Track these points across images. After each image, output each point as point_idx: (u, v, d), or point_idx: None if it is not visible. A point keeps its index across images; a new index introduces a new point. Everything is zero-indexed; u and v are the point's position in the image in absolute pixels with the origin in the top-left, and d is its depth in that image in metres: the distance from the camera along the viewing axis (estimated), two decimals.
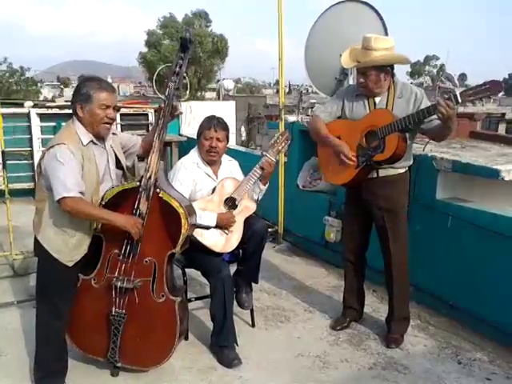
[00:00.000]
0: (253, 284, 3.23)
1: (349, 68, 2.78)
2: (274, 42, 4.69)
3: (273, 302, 3.68)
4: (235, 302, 3.04)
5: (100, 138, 2.53)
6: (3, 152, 4.21)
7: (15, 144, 6.74)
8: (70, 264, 2.45)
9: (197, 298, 3.29)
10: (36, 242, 2.49)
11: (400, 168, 2.96)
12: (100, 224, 2.50)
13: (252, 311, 3.28)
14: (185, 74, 2.64)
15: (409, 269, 3.08)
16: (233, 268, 3.13)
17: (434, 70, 49.14)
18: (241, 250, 3.10)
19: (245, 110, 15.04)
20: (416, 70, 50.30)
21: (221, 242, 2.93)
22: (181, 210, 2.50)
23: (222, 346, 2.85)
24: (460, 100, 2.53)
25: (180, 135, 7.96)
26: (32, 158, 6.78)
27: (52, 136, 2.55)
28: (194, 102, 9.44)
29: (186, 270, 3.07)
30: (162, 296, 2.55)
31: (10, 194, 4.14)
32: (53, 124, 6.77)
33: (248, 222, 3.01)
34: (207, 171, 3.06)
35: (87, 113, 2.44)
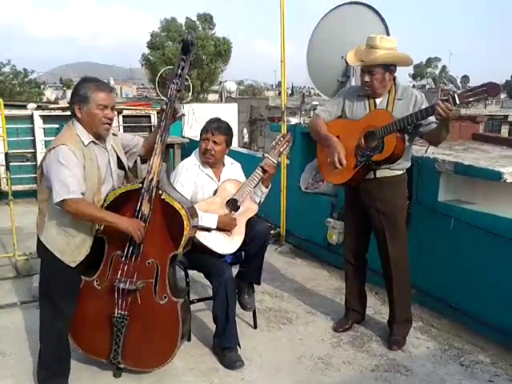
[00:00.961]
0: (255, 286, 3.23)
1: (355, 66, 2.81)
2: (277, 44, 4.70)
3: (275, 304, 3.68)
4: (237, 304, 3.04)
5: (100, 138, 2.54)
6: (6, 154, 4.24)
7: (18, 146, 6.79)
8: (73, 264, 2.46)
9: (199, 300, 3.29)
10: (39, 242, 2.50)
11: (397, 170, 2.97)
12: (102, 225, 2.51)
13: (254, 313, 3.28)
14: (187, 76, 2.65)
15: (409, 271, 3.08)
16: (235, 270, 3.14)
17: (436, 72, 49.11)
18: (243, 252, 3.10)
19: (247, 111, 15.06)
20: (418, 72, 50.28)
21: (223, 243, 2.94)
22: (183, 212, 2.51)
23: (225, 348, 2.86)
24: (458, 101, 2.55)
25: (182, 137, 7.98)
26: (35, 160, 6.83)
27: (55, 138, 2.57)
28: (197, 104, 9.47)
29: (189, 271, 3.07)
30: (165, 298, 2.55)
31: (14, 196, 4.16)
32: (56, 126, 6.81)
33: (250, 223, 3.01)
34: (209, 173, 3.07)
35: (85, 114, 2.44)
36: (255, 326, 3.29)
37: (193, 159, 3.10)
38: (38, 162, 2.56)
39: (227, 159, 3.19)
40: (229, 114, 8.82)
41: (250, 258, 3.08)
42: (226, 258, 3.01)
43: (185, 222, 2.50)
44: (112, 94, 2.54)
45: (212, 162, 3.05)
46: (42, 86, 32.44)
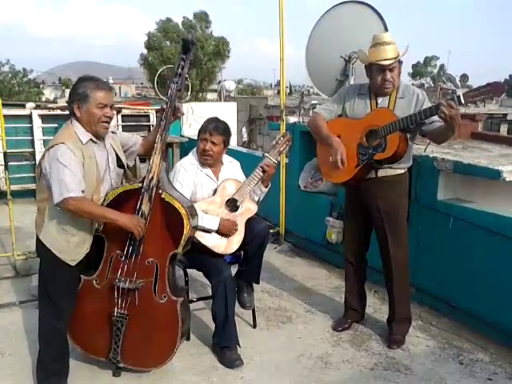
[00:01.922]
0: (254, 285, 3.23)
1: (386, 64, 2.79)
2: (276, 42, 4.70)
3: (274, 303, 3.69)
4: (237, 303, 3.04)
5: (99, 136, 2.53)
6: (5, 153, 4.23)
7: (17, 145, 6.78)
8: (73, 263, 2.46)
9: (198, 299, 3.29)
10: (38, 241, 2.50)
11: (399, 169, 2.96)
12: (102, 224, 2.51)
13: (253, 312, 3.28)
14: (187, 76, 2.65)
15: (409, 270, 3.08)
16: (234, 269, 3.14)
17: (435, 71, 49.11)
18: (242, 252, 3.10)
19: (246, 110, 15.04)
20: (417, 71, 50.28)
21: (222, 243, 2.93)
22: (183, 211, 2.51)
23: (224, 347, 2.86)
24: (463, 101, 2.53)
25: (181, 136, 7.97)
26: (34, 159, 6.81)
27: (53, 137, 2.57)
28: (196, 103, 9.45)
29: (188, 270, 3.07)
30: (164, 297, 2.56)
31: (12, 195, 4.15)
32: (54, 125, 6.80)
33: (250, 223, 3.01)
34: (207, 173, 3.06)
35: (85, 112, 2.44)
36: (254, 325, 3.29)
37: (191, 159, 3.09)
38: (37, 162, 2.56)
39: (226, 157, 3.18)
40: (228, 112, 8.82)
41: (249, 257, 3.07)
42: (225, 257, 3.01)
43: (185, 222, 2.50)
44: (111, 93, 2.54)
45: (210, 162, 3.05)
46: (40, 86, 32.45)
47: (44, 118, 7.03)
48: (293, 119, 5.36)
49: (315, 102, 7.06)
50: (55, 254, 2.43)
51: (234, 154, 3.64)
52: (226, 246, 2.94)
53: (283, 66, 4.75)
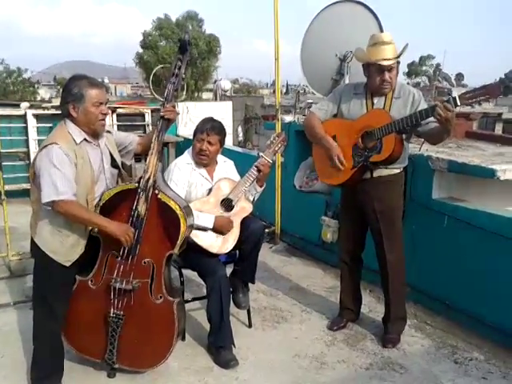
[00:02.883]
0: (250, 284, 3.23)
1: (386, 64, 2.77)
2: (271, 42, 4.70)
3: (270, 303, 3.68)
4: (232, 303, 3.04)
5: (95, 135, 2.52)
6: None
7: (11, 145, 6.77)
8: (68, 264, 2.44)
9: (194, 299, 3.29)
10: (32, 242, 2.48)
11: (394, 169, 2.96)
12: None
13: (249, 312, 3.28)
14: (183, 76, 2.64)
15: (405, 269, 3.09)
16: (229, 268, 3.14)
17: (431, 70, 49.20)
18: (237, 251, 3.10)
19: (242, 110, 15.03)
20: (413, 70, 50.35)
21: (217, 243, 2.93)
22: (179, 212, 2.50)
23: (219, 347, 2.86)
24: (459, 103, 2.53)
25: (177, 136, 7.96)
26: (28, 159, 6.80)
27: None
28: (191, 103, 9.43)
29: (183, 270, 3.07)
30: (160, 297, 2.55)
31: (7, 195, 4.13)
32: (49, 125, 6.77)
33: (245, 222, 3.01)
34: (202, 172, 3.06)
35: (81, 112, 2.43)
36: (250, 325, 3.29)
37: (186, 158, 3.09)
38: (31, 162, 2.54)
39: (220, 157, 3.18)
40: (223, 112, 8.79)
41: (244, 256, 3.07)
42: (220, 256, 3.00)
43: (181, 222, 2.50)
44: (104, 90, 2.53)
45: (206, 162, 3.05)
46: (35, 85, 32.31)
47: (38, 118, 7.01)
48: (288, 118, 5.36)
49: (311, 101, 7.06)
50: (49, 255, 2.41)
51: (229, 153, 3.64)
52: (220, 245, 2.93)
53: (278, 65, 4.74)
